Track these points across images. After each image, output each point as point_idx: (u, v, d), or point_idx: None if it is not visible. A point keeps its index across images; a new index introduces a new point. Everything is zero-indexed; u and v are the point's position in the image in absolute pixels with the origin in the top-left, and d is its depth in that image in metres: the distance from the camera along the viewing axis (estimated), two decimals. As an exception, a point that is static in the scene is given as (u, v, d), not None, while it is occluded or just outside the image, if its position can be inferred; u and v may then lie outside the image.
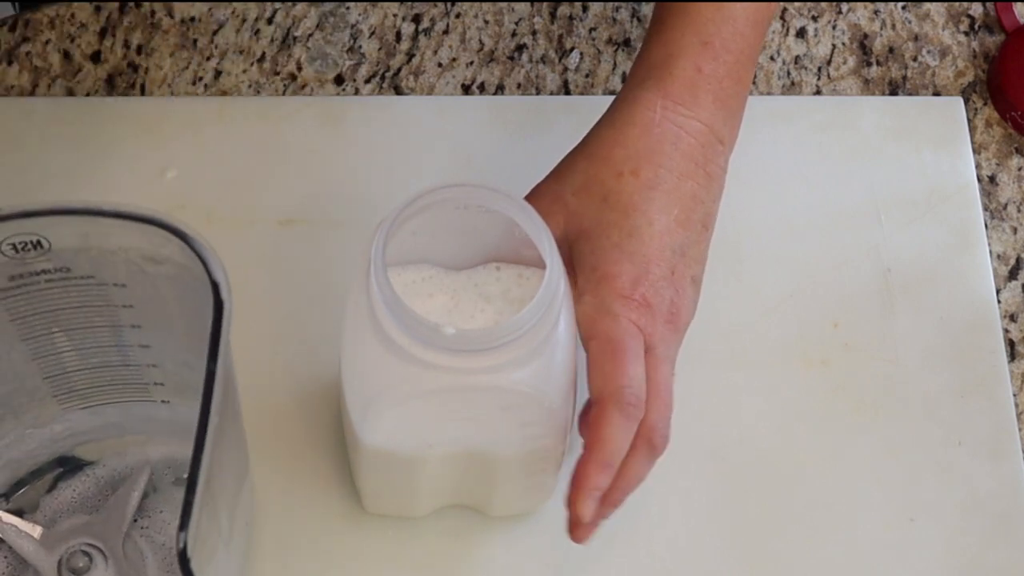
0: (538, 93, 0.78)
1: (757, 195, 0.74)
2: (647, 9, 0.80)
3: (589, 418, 0.58)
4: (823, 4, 0.81)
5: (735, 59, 0.63)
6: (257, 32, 0.78)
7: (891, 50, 0.80)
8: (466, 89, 0.78)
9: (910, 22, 0.81)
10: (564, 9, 0.80)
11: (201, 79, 0.77)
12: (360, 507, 0.66)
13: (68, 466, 0.65)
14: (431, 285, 0.58)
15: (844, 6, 0.81)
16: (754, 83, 0.78)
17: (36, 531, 0.61)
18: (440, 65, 0.78)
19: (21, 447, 0.64)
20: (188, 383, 0.59)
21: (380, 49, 0.78)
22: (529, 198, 0.63)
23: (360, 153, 0.75)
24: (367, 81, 0.78)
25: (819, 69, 0.79)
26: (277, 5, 0.79)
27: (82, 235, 0.51)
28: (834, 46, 0.80)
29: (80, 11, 0.78)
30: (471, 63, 0.78)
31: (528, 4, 0.80)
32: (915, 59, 0.80)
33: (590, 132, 0.63)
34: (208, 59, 0.77)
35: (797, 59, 0.79)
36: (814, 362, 0.71)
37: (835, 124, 0.77)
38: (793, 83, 0.79)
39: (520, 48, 0.79)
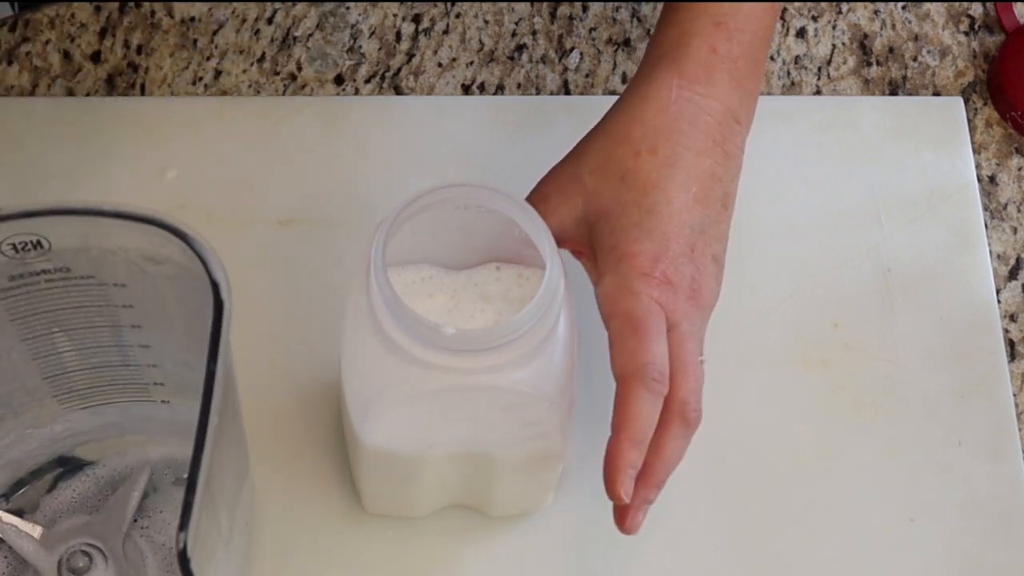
0: (538, 93, 0.78)
1: (757, 195, 0.74)
2: (647, 9, 0.80)
3: (615, 398, 0.58)
4: (823, 4, 0.81)
5: (749, 40, 0.63)
6: (257, 32, 0.78)
7: (891, 50, 0.80)
8: (466, 89, 0.78)
9: (910, 22, 0.81)
10: (564, 9, 0.80)
11: (201, 79, 0.77)
12: (360, 507, 0.66)
13: (68, 466, 0.65)
14: (431, 285, 0.58)
15: (844, 6, 0.81)
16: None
17: (36, 531, 0.61)
18: (440, 65, 0.78)
19: (21, 447, 0.64)
20: (188, 383, 0.59)
21: (380, 49, 0.78)
22: (547, 179, 0.62)
23: (360, 153, 0.75)
24: (367, 81, 0.78)
25: (819, 69, 0.79)
26: (277, 5, 0.79)
27: (82, 235, 0.51)
28: (834, 46, 0.80)
29: (80, 11, 0.78)
30: (471, 63, 0.78)
31: (528, 4, 0.80)
32: (915, 59, 0.80)
33: (607, 113, 0.63)
34: (208, 59, 0.77)
35: (797, 59, 0.79)
36: (814, 362, 0.71)
37: (835, 124, 0.77)
38: (793, 83, 0.79)
39: (520, 48, 0.79)
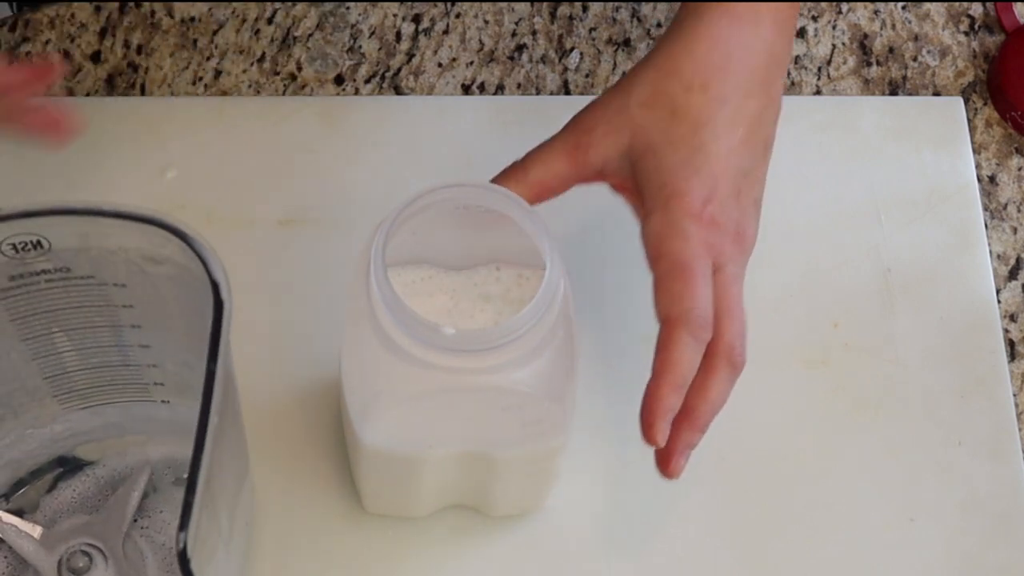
0: (538, 93, 0.78)
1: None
2: (647, 9, 0.80)
3: (657, 341, 0.57)
4: (823, 4, 0.81)
5: None
6: (257, 32, 0.78)
7: (891, 50, 0.80)
8: (466, 89, 0.78)
9: (910, 22, 0.81)
10: (564, 9, 0.80)
11: (201, 79, 0.77)
12: (360, 507, 0.66)
13: (68, 466, 0.65)
14: (431, 285, 0.58)
15: (844, 6, 0.81)
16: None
17: (36, 531, 0.61)
18: (440, 65, 0.78)
19: (21, 447, 0.64)
20: (188, 383, 0.59)
21: (380, 49, 0.78)
22: (591, 110, 0.62)
23: (360, 153, 0.75)
24: (367, 81, 0.78)
25: (819, 69, 0.79)
26: (277, 5, 0.79)
27: (82, 235, 0.51)
28: (834, 46, 0.80)
29: (80, 11, 0.78)
30: (471, 63, 0.78)
31: (528, 4, 0.80)
32: (915, 59, 0.80)
33: (655, 47, 0.62)
34: (208, 59, 0.77)
35: (797, 59, 0.79)
36: (814, 362, 0.71)
37: (835, 124, 0.77)
38: (793, 83, 0.79)
39: (520, 48, 0.79)
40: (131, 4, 0.78)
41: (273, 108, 0.76)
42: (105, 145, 0.74)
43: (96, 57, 0.77)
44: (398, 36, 0.79)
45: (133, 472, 0.64)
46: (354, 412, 0.58)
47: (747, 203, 0.60)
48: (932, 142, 0.77)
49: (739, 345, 0.59)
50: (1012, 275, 0.74)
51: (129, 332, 0.57)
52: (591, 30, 0.79)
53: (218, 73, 0.77)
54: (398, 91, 0.77)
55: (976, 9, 0.81)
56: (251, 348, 0.68)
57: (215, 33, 0.78)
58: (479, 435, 0.59)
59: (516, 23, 0.79)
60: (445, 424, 0.58)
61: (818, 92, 0.78)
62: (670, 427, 0.57)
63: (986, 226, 0.75)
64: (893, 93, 0.79)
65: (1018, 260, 0.75)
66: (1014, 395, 0.71)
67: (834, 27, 0.80)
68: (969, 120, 0.78)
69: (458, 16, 0.79)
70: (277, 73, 0.77)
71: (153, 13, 0.78)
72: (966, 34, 0.81)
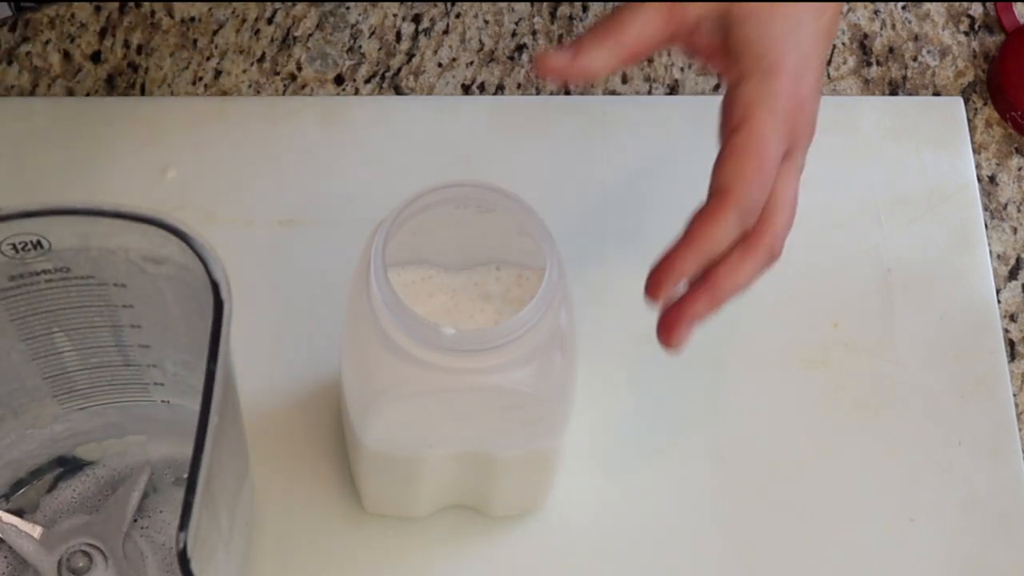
0: (538, 93, 0.78)
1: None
2: (647, 9, 0.80)
3: (701, 208, 0.56)
4: (823, 4, 0.81)
5: None
6: (257, 32, 0.78)
7: (891, 50, 0.80)
8: (466, 89, 0.78)
9: (910, 22, 0.81)
10: (564, 9, 0.80)
11: (201, 79, 0.77)
12: (360, 507, 0.66)
13: (68, 466, 0.65)
14: (431, 285, 0.58)
15: (844, 6, 0.81)
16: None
17: (36, 531, 0.61)
18: (440, 65, 0.78)
19: (21, 447, 0.64)
20: (188, 383, 0.59)
21: (380, 49, 0.78)
22: None
23: (360, 153, 0.75)
24: (367, 81, 0.78)
25: (819, 69, 0.79)
26: (277, 5, 0.79)
27: (82, 235, 0.51)
28: (834, 46, 0.80)
29: (80, 11, 0.78)
30: (471, 63, 0.78)
31: (528, 4, 0.80)
32: (915, 59, 0.80)
33: None
34: (208, 59, 0.77)
35: (797, 59, 0.79)
36: (814, 362, 0.71)
37: (835, 124, 0.77)
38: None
39: (520, 48, 0.79)
40: (131, 4, 0.78)
41: (273, 108, 0.76)
42: (105, 145, 0.74)
43: (96, 57, 0.77)
44: (398, 36, 0.79)
45: (133, 472, 0.64)
46: (354, 412, 0.58)
47: (816, 95, 0.59)
48: (932, 142, 0.77)
49: (781, 239, 0.58)
50: (1012, 275, 0.74)
51: (129, 332, 0.57)
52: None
53: (218, 73, 0.77)
54: (398, 91, 0.77)
55: (976, 9, 0.81)
56: (251, 348, 0.68)
57: (215, 33, 0.78)
58: (479, 435, 0.59)
59: (516, 23, 0.79)
60: (445, 424, 0.58)
61: (818, 92, 0.78)
62: (671, 287, 0.56)
63: (986, 226, 0.75)
64: (893, 93, 0.79)
65: (1018, 260, 0.75)
66: (1014, 395, 0.71)
67: (834, 27, 0.80)
68: (969, 120, 0.78)
69: (458, 16, 0.79)
70: (277, 73, 0.77)
71: (153, 13, 0.78)
72: (966, 34, 0.81)
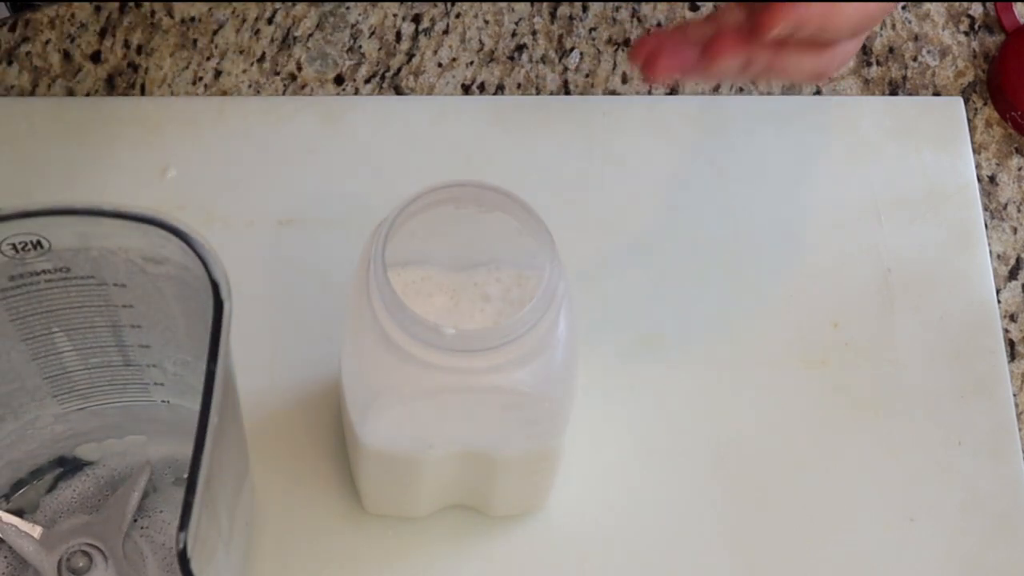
0: (538, 93, 0.78)
1: (757, 195, 0.74)
2: (647, 9, 0.80)
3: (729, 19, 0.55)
4: (823, 4, 0.81)
5: None
6: (257, 32, 0.78)
7: (891, 50, 0.80)
8: (466, 89, 0.78)
9: (910, 22, 0.81)
10: (564, 9, 0.80)
11: (201, 79, 0.77)
12: (360, 507, 0.66)
13: (68, 466, 0.65)
14: (431, 285, 0.58)
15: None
16: (754, 83, 0.78)
17: (36, 531, 0.61)
18: (440, 65, 0.78)
19: (21, 447, 0.64)
20: (188, 383, 0.59)
21: (380, 49, 0.78)
22: None
23: (360, 153, 0.75)
24: (367, 81, 0.78)
25: (819, 69, 0.79)
26: (277, 5, 0.79)
27: (82, 235, 0.51)
28: (834, 46, 0.80)
29: (80, 11, 0.78)
30: (471, 63, 0.78)
31: (528, 4, 0.80)
32: (915, 59, 0.80)
33: None
34: (208, 59, 0.77)
35: (797, 59, 0.79)
36: (814, 362, 0.71)
37: (835, 124, 0.77)
38: (793, 83, 0.79)
39: (520, 48, 0.79)
40: (131, 4, 0.78)
41: (273, 108, 0.76)
42: (105, 145, 0.74)
43: (96, 57, 0.77)
44: (398, 36, 0.79)
45: (133, 472, 0.64)
46: (354, 412, 0.58)
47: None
48: (932, 142, 0.77)
49: (835, 66, 0.57)
50: (1012, 275, 0.74)
51: (129, 332, 0.57)
52: (591, 30, 0.79)
53: (218, 73, 0.77)
54: (398, 91, 0.77)
55: (976, 9, 0.81)
56: (251, 348, 0.68)
57: (215, 33, 0.78)
58: (479, 435, 0.59)
59: (516, 23, 0.79)
60: (445, 424, 0.58)
61: (818, 92, 0.78)
62: (664, 62, 0.55)
63: (986, 226, 0.75)
64: (893, 93, 0.79)
65: (1018, 260, 0.75)
66: (1014, 395, 0.71)
67: (834, 27, 0.80)
68: (969, 120, 0.78)
69: (458, 16, 0.79)
70: (277, 73, 0.77)
71: (153, 13, 0.78)
72: (966, 34, 0.81)
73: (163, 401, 0.62)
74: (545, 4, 0.80)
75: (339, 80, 0.78)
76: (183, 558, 0.46)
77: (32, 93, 0.76)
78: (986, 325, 0.72)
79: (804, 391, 0.70)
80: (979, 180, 0.76)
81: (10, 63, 0.77)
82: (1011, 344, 0.73)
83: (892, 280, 0.73)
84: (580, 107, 0.77)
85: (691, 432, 0.69)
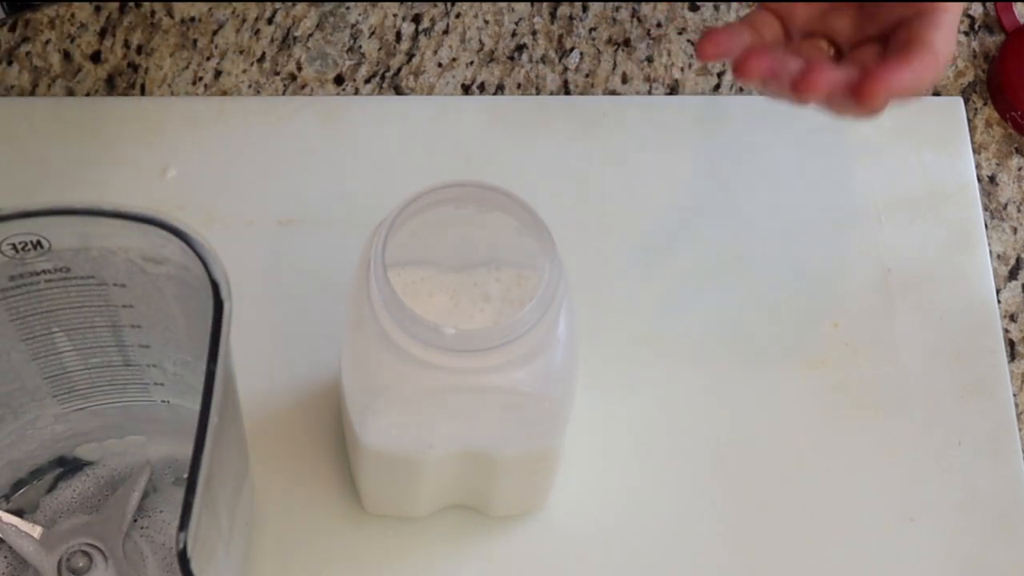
0: (538, 93, 0.78)
1: (757, 195, 0.74)
2: (647, 9, 0.80)
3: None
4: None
5: None
6: (257, 32, 0.78)
7: (891, 50, 0.80)
8: (466, 89, 0.78)
9: (910, 22, 0.81)
10: (564, 9, 0.80)
11: (201, 79, 0.77)
12: (360, 507, 0.66)
13: (68, 466, 0.65)
14: (431, 285, 0.58)
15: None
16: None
17: (36, 531, 0.61)
18: (440, 65, 0.78)
19: (21, 447, 0.64)
20: (188, 383, 0.59)
21: (380, 49, 0.78)
22: None
23: (360, 153, 0.75)
24: (367, 81, 0.78)
25: (819, 69, 0.79)
26: (277, 5, 0.79)
27: (82, 235, 0.51)
28: (834, 46, 0.80)
29: (80, 11, 0.78)
30: (471, 63, 0.78)
31: (528, 4, 0.80)
32: (915, 59, 0.80)
33: None
34: (208, 59, 0.77)
35: (797, 59, 0.79)
36: (814, 362, 0.71)
37: (835, 124, 0.77)
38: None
39: (520, 48, 0.79)
40: (131, 4, 0.78)
41: (273, 108, 0.76)
42: (105, 145, 0.74)
43: (96, 57, 0.77)
44: (398, 36, 0.79)
45: (133, 472, 0.64)
46: (354, 412, 0.58)
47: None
48: (932, 142, 0.77)
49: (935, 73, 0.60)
50: (1012, 275, 0.74)
51: (129, 332, 0.57)
52: (591, 30, 0.79)
53: (218, 73, 0.77)
54: (398, 91, 0.77)
55: (976, 9, 0.81)
56: (251, 348, 0.68)
57: (215, 33, 0.78)
58: (479, 435, 0.59)
59: (516, 23, 0.80)
60: (445, 424, 0.58)
61: (818, 92, 0.78)
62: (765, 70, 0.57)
63: (986, 226, 0.75)
64: (893, 93, 0.79)
65: (1018, 260, 0.75)
66: (1014, 395, 0.71)
67: (834, 27, 0.80)
68: (969, 120, 0.78)
69: (458, 16, 0.79)
70: (277, 73, 0.77)
71: (153, 13, 0.78)
72: (966, 34, 0.81)
73: (163, 401, 0.62)
74: (545, 4, 0.80)
75: (339, 80, 0.78)
76: (183, 558, 0.46)
77: (32, 93, 0.76)
78: (986, 325, 0.72)
79: (804, 391, 0.70)
80: (979, 180, 0.76)
81: (10, 63, 0.77)
82: (1011, 344, 0.73)
83: (892, 280, 0.73)
84: (580, 107, 0.77)
85: (691, 432, 0.69)
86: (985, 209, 0.76)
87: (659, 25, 0.80)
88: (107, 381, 0.61)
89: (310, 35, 0.78)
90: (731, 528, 0.67)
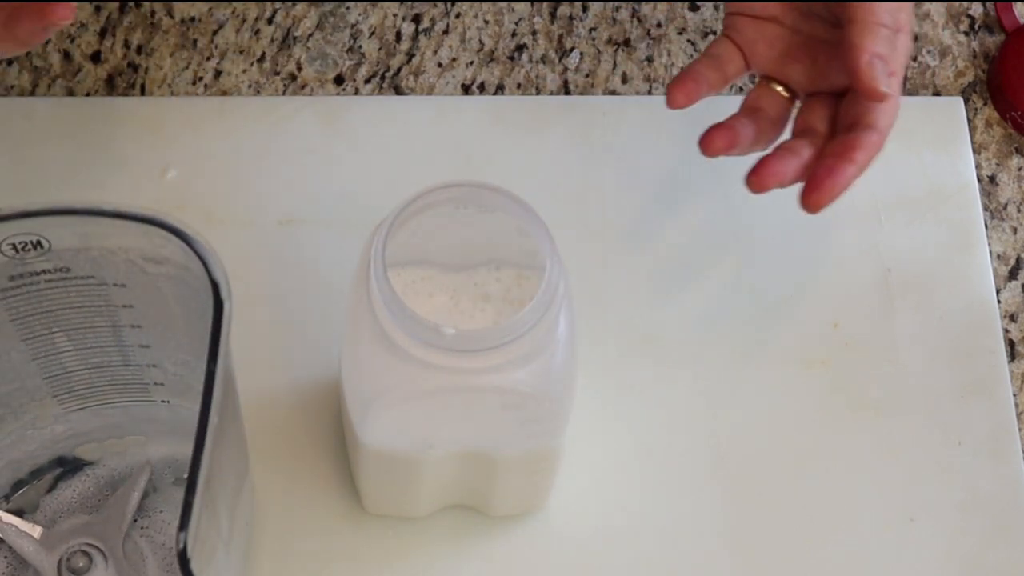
0: (538, 93, 0.78)
1: (757, 195, 0.74)
2: (647, 9, 0.80)
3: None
4: (823, 4, 0.81)
5: None
6: (257, 32, 0.78)
7: (891, 50, 0.80)
8: (466, 89, 0.78)
9: (910, 22, 0.81)
10: (564, 9, 0.80)
11: (201, 79, 0.77)
12: (360, 507, 0.66)
13: (68, 466, 0.65)
14: (431, 285, 0.58)
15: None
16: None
17: (36, 531, 0.61)
18: (440, 65, 0.78)
19: (21, 447, 0.64)
20: (188, 383, 0.59)
21: (380, 49, 0.78)
22: None
23: (360, 153, 0.75)
24: (367, 81, 0.78)
25: (819, 69, 0.79)
26: (277, 5, 0.79)
27: (82, 235, 0.51)
28: (834, 46, 0.80)
29: (80, 11, 0.78)
30: (471, 63, 0.78)
31: (528, 4, 0.80)
32: (915, 59, 0.80)
33: None
34: (208, 59, 0.77)
35: (797, 59, 0.79)
36: (814, 362, 0.71)
37: (835, 124, 0.77)
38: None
39: (520, 48, 0.79)
40: (131, 4, 0.78)
41: (273, 108, 0.76)
42: (105, 145, 0.74)
43: (96, 57, 0.77)
44: (398, 36, 0.79)
45: (133, 472, 0.64)
46: (354, 412, 0.58)
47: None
48: (932, 142, 0.77)
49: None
50: (1012, 275, 0.74)
51: (129, 332, 0.57)
52: (591, 30, 0.79)
53: (218, 73, 0.77)
54: (398, 91, 0.77)
55: (976, 9, 0.81)
56: (251, 348, 0.68)
57: (215, 33, 0.78)
58: (479, 435, 0.59)
59: (516, 23, 0.80)
60: (445, 424, 0.58)
61: (818, 92, 0.78)
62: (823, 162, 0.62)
63: (986, 226, 0.75)
64: (893, 93, 0.79)
65: (1018, 260, 0.75)
66: (1014, 395, 0.71)
67: (834, 27, 0.80)
68: (969, 120, 0.78)
69: (458, 16, 0.79)
70: (277, 73, 0.77)
71: (153, 13, 0.78)
72: (966, 34, 0.81)
73: (163, 401, 0.62)
74: (545, 4, 0.80)
75: (339, 80, 0.78)
76: (183, 558, 0.46)
77: (32, 93, 0.76)
78: (986, 325, 0.72)
79: (804, 391, 0.70)
80: (979, 180, 0.76)
81: (10, 63, 0.77)
82: (1011, 344, 0.73)
83: (892, 280, 0.73)
84: (580, 107, 0.77)
85: (691, 432, 0.69)
86: (985, 209, 0.76)
87: (659, 25, 0.80)
88: (107, 381, 0.61)
89: (310, 35, 0.78)
90: (731, 528, 0.67)
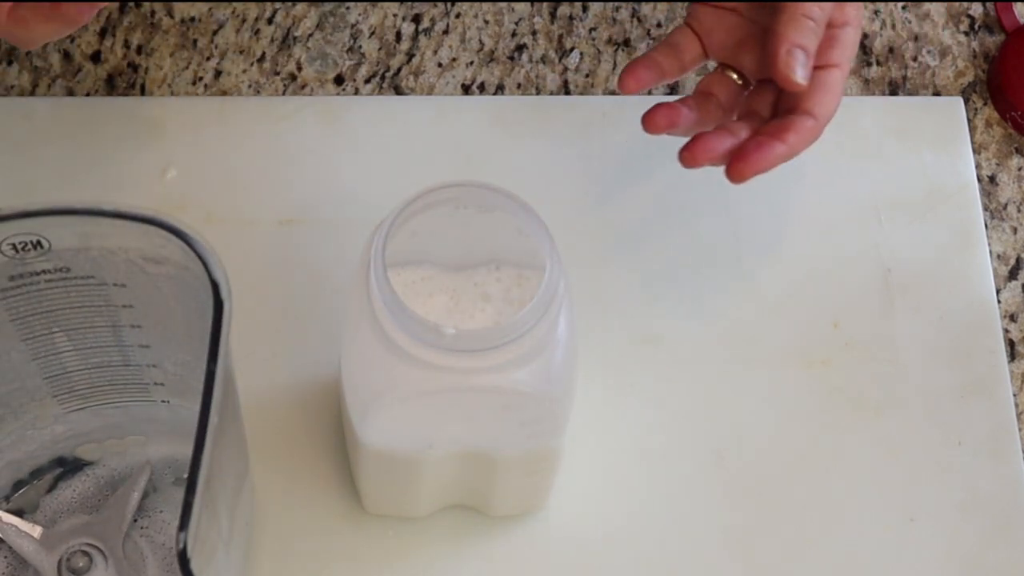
0: (538, 93, 0.78)
1: (757, 195, 0.74)
2: (647, 9, 0.80)
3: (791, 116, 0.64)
4: (823, 4, 0.81)
5: None
6: (257, 32, 0.78)
7: (891, 50, 0.80)
8: (466, 89, 0.78)
9: (910, 22, 0.81)
10: (564, 9, 0.80)
11: (201, 79, 0.77)
12: (360, 507, 0.66)
13: (68, 466, 0.65)
14: (431, 285, 0.58)
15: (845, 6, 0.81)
16: (754, 83, 0.78)
17: (36, 531, 0.61)
18: (440, 65, 0.78)
19: (21, 447, 0.64)
20: (188, 383, 0.59)
21: (380, 49, 0.78)
22: None
23: (360, 153, 0.75)
24: (367, 81, 0.78)
25: (819, 69, 0.79)
26: (277, 5, 0.79)
27: (82, 235, 0.51)
28: (834, 46, 0.80)
29: (80, 11, 0.78)
30: (471, 63, 0.78)
31: (528, 4, 0.80)
32: (915, 59, 0.80)
33: None
34: (208, 59, 0.77)
35: (797, 59, 0.79)
36: (814, 362, 0.71)
37: (835, 124, 0.77)
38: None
39: (520, 48, 0.79)
40: (131, 4, 0.78)
41: (273, 108, 0.76)
42: (105, 145, 0.74)
43: (96, 57, 0.77)
44: (398, 36, 0.79)
45: (133, 472, 0.64)
46: (354, 412, 0.58)
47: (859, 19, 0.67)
48: (932, 142, 0.77)
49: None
50: (1012, 275, 0.74)
51: (129, 332, 0.57)
52: (591, 30, 0.79)
53: (218, 73, 0.77)
54: (398, 91, 0.77)
55: (976, 9, 0.81)
56: (251, 348, 0.68)
57: (215, 33, 0.78)
58: (479, 435, 0.59)
59: (516, 23, 0.80)
60: (445, 424, 0.58)
61: (818, 92, 0.78)
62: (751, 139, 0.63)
63: (986, 226, 0.75)
64: (893, 93, 0.79)
65: (1018, 260, 0.75)
66: (1014, 395, 0.71)
67: (834, 27, 0.80)
68: (969, 120, 0.78)
69: (458, 16, 0.79)
70: (277, 73, 0.77)
71: (153, 13, 0.78)
72: (966, 34, 0.81)
73: (163, 401, 0.62)
74: (545, 4, 0.80)
75: (339, 80, 0.78)
76: (183, 558, 0.46)
77: (32, 93, 0.76)
78: (986, 325, 0.72)
79: (804, 391, 0.70)
80: (979, 180, 0.76)
81: (10, 63, 0.77)
82: (1011, 344, 0.73)
83: (892, 280, 0.73)
84: (580, 107, 0.77)
85: (691, 432, 0.69)
86: (985, 209, 0.76)
87: (659, 25, 0.80)
88: (107, 381, 0.61)
89: (310, 35, 0.78)
90: (731, 527, 0.67)
